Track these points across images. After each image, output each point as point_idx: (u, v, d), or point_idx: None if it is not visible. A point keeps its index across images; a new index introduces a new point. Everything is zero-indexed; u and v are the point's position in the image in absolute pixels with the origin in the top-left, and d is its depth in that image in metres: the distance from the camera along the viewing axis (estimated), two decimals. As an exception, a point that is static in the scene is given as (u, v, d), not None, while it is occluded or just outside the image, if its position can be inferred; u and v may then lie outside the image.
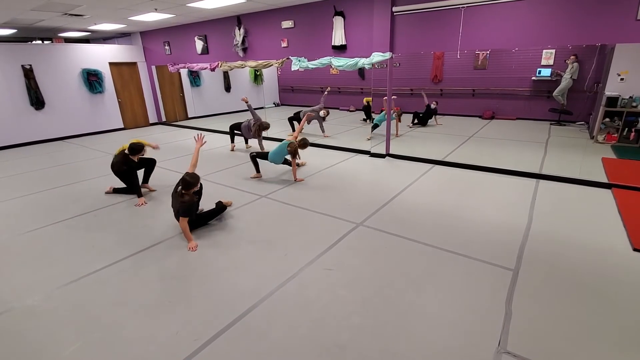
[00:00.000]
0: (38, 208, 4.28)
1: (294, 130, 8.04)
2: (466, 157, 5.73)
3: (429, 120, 8.68)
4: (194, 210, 3.39)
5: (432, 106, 8.32)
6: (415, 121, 8.61)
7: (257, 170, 5.12)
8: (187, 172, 3.32)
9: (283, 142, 4.87)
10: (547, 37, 4.26)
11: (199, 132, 3.84)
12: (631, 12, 3.73)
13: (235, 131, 6.84)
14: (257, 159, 5.07)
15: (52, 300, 2.53)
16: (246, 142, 7.11)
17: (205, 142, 3.78)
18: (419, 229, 3.44)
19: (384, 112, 6.25)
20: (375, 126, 6.98)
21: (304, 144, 4.81)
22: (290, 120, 8.06)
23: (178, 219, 3.30)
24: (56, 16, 6.48)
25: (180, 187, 3.25)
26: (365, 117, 9.39)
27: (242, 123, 6.56)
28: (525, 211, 3.75)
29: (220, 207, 3.73)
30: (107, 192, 4.64)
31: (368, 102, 8.87)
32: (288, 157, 4.87)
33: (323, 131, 7.67)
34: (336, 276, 2.71)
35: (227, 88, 11.88)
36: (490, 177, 4.86)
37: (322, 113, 7.46)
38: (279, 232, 3.48)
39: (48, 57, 8.15)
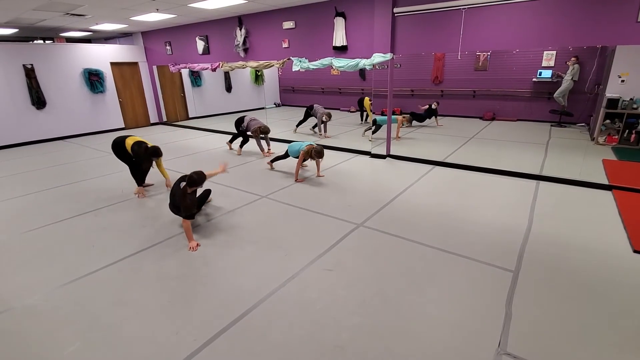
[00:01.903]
0: (38, 207, 4.28)
1: (297, 126, 8.15)
2: (467, 158, 5.73)
3: (429, 121, 8.68)
4: (194, 212, 3.41)
5: (433, 106, 8.32)
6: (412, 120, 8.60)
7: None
8: (194, 171, 3.33)
9: (306, 142, 4.95)
10: (548, 39, 4.26)
11: (224, 163, 3.90)
12: (632, 14, 3.73)
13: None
14: (276, 161, 5.31)
15: (52, 300, 2.53)
16: (241, 146, 6.69)
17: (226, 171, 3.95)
18: (419, 230, 3.44)
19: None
20: (378, 127, 6.66)
21: (319, 151, 4.74)
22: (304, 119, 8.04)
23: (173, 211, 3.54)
24: (58, 16, 6.50)
25: (184, 184, 3.26)
26: (361, 116, 9.44)
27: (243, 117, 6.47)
28: (525, 212, 3.75)
29: (206, 194, 4.01)
30: (135, 193, 4.56)
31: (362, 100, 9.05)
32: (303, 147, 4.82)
33: (325, 131, 7.68)
34: (336, 277, 2.71)
35: (228, 88, 11.91)
36: (491, 179, 4.86)
37: (324, 118, 7.46)
38: (280, 232, 3.48)
39: (49, 57, 8.16)
